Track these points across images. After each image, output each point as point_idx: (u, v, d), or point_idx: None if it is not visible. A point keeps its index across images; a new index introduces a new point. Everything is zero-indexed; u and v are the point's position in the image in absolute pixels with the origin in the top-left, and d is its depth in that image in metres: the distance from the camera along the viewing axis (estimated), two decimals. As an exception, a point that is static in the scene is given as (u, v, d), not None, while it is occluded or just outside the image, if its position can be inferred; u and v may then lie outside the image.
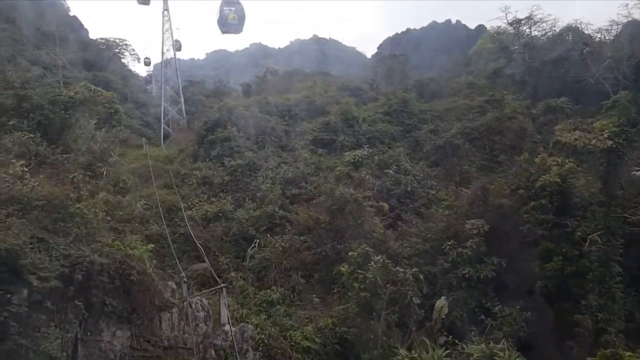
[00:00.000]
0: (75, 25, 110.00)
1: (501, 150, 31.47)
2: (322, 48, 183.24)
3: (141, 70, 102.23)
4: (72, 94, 27.52)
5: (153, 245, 17.86)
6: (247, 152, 31.75)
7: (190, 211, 26.43)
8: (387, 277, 14.89)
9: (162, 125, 60.87)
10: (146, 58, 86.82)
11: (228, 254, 23.46)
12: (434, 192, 27.33)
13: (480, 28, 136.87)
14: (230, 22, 41.28)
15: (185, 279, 16.46)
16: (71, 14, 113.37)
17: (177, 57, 64.92)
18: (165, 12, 61.74)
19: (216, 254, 23.01)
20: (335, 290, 19.12)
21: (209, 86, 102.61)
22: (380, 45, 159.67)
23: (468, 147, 32.64)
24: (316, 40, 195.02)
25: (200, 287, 18.91)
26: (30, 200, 13.71)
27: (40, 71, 60.05)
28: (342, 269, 16.92)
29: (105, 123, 50.52)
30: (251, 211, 25.88)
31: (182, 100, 62.79)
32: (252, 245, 22.50)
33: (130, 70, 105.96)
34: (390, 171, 29.01)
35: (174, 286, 16.15)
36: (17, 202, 13.36)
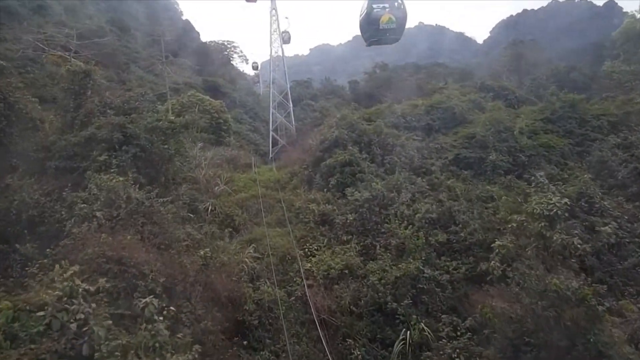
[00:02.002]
0: (188, 28, 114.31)
1: None
2: (429, 36, 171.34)
3: (249, 70, 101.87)
4: (173, 117, 23.21)
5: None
6: (374, 180, 25.19)
7: (309, 263, 20.72)
8: None
9: (271, 133, 57.26)
10: (254, 62, 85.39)
11: (360, 337, 17.23)
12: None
13: (611, 4, 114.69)
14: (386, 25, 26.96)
15: None
16: (184, 17, 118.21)
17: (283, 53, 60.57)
18: (273, 11, 57.78)
19: (345, 339, 16.93)
20: None
21: (316, 85, 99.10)
22: (493, 30, 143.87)
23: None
24: (421, 27, 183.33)
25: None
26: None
27: (152, 77, 60.25)
28: None
29: (212, 135, 48.67)
30: (386, 268, 19.35)
31: (291, 106, 58.48)
32: (400, 338, 15.89)
33: (239, 71, 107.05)
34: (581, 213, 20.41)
35: None
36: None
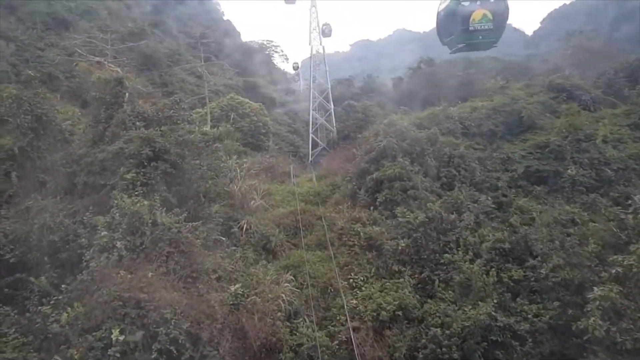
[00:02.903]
0: (229, 29, 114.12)
1: None
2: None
3: (289, 68, 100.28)
4: (207, 129, 21.01)
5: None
6: (429, 198, 22.12)
7: (354, 298, 17.98)
8: None
9: (310, 136, 54.81)
10: (294, 63, 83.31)
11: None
12: None
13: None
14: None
15: None
16: (225, 18, 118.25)
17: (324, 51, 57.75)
18: (313, 8, 55.19)
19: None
20: None
21: (357, 82, 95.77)
22: (544, 20, 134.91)
23: None
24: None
25: None
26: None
27: (194, 80, 59.10)
28: None
29: (250, 139, 46.74)
30: (449, 312, 16.29)
31: (332, 106, 55.70)
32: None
33: (280, 70, 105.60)
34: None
35: None
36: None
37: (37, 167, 19.96)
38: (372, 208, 23.06)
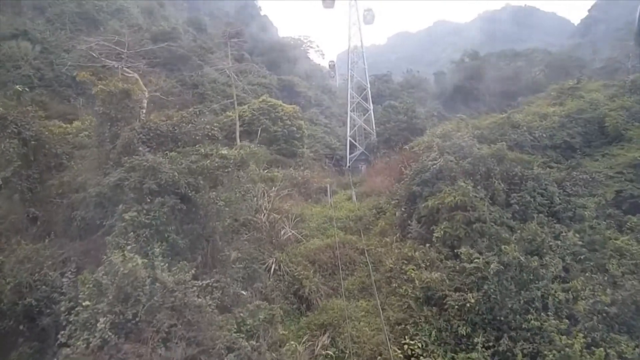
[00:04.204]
0: (266, 25, 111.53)
1: None
2: (517, 17, 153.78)
3: (325, 63, 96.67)
4: (226, 151, 17.35)
5: None
6: (501, 235, 17.64)
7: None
8: None
9: (348, 139, 50.62)
10: (330, 61, 79.47)
11: None
12: None
13: None
14: None
15: None
16: (262, 13, 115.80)
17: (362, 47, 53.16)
18: (353, 1, 50.72)
19: None
20: None
21: (395, 77, 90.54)
22: (592, 8, 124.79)
23: None
24: (509, 8, 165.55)
25: None
26: None
27: (226, 79, 55.87)
28: None
29: (284, 144, 43.13)
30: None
31: (371, 107, 51.25)
32: None
33: (315, 65, 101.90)
34: None
35: None
36: None
37: (27, 200, 16.95)
38: (428, 245, 18.76)
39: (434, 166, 20.55)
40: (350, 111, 52.87)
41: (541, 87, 53.69)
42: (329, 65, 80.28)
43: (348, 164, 50.36)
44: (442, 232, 18.60)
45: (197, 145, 18.58)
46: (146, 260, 12.71)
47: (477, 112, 67.29)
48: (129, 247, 13.02)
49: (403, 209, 21.65)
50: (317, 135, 58.58)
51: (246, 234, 19.19)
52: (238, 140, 35.06)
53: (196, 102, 46.39)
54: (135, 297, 12.02)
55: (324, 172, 38.99)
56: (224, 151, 17.79)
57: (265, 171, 25.86)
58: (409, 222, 20.60)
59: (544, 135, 24.20)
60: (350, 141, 51.45)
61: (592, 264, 16.64)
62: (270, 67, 77.70)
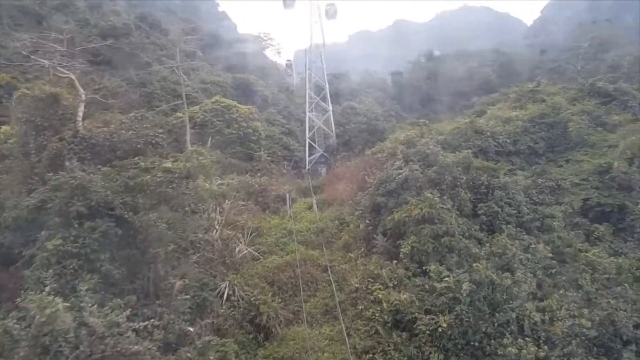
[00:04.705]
0: (223, 20, 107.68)
1: None
2: (472, 18, 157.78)
3: (283, 61, 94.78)
4: (170, 164, 15.37)
5: None
6: (471, 250, 16.70)
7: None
8: None
9: (307, 141, 49.10)
10: (287, 60, 77.31)
11: None
12: None
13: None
14: None
15: None
16: (220, 9, 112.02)
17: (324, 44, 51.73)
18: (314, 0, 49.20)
19: None
20: None
21: (354, 78, 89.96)
22: (545, 9, 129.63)
23: None
24: (465, 9, 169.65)
25: None
26: None
27: (178, 77, 52.90)
28: None
29: (239, 147, 40.94)
30: None
31: (331, 109, 49.95)
32: None
33: (273, 63, 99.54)
34: None
35: None
36: None
37: None
38: (394, 261, 17.52)
39: (399, 176, 19.39)
40: (309, 111, 51.44)
41: (494, 87, 54.44)
42: (286, 64, 78.38)
43: (307, 167, 48.89)
44: (409, 247, 17.41)
45: (137, 158, 16.42)
46: (72, 300, 10.67)
47: (434, 112, 67.86)
48: (49, 287, 10.89)
49: (367, 221, 20.37)
50: (275, 137, 56.49)
51: (196, 255, 17.20)
52: (188, 144, 32.64)
53: (143, 102, 43.36)
54: (56, 350, 9.98)
55: (283, 176, 37.19)
56: (168, 164, 15.72)
57: (218, 182, 23.77)
58: (374, 235, 19.33)
59: (508, 140, 23.69)
60: (309, 143, 50.01)
61: (564, 278, 16.00)
62: (226, 65, 74.87)
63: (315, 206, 26.13)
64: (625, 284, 14.76)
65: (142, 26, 68.07)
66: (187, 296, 14.50)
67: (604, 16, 79.07)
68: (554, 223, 18.43)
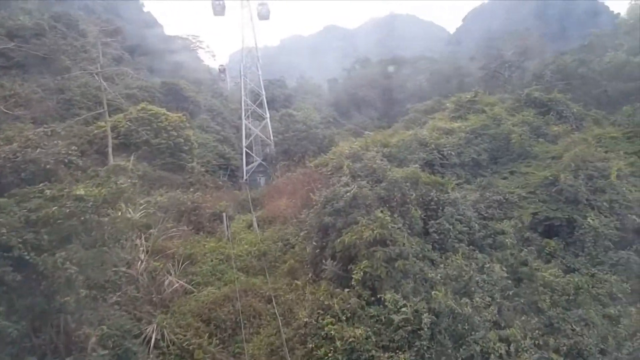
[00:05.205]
0: (149, 22, 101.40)
1: None
2: (400, 25, 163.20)
3: (216, 65, 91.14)
4: (83, 190, 12.77)
5: None
6: (426, 274, 15.65)
7: None
8: None
9: (244, 150, 46.78)
10: (220, 65, 74.34)
11: None
12: None
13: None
14: None
15: None
16: (145, 9, 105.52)
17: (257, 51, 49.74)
18: (245, 1, 47.11)
19: None
20: None
21: (290, 83, 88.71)
22: (466, 17, 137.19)
23: None
24: (392, 17, 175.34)
25: None
26: None
27: (97, 83, 48.32)
28: None
29: (169, 158, 37.80)
30: None
31: (268, 116, 48.03)
32: None
33: (205, 67, 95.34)
34: None
35: None
36: None
37: None
38: (345, 289, 16.02)
39: (347, 194, 17.95)
40: (245, 118, 49.16)
41: (426, 95, 55.32)
42: (219, 69, 75.29)
43: (245, 177, 46.59)
44: (361, 273, 16.00)
45: (42, 184, 13.58)
46: None
47: (370, 119, 68.28)
48: None
49: (314, 243, 18.72)
50: (209, 144, 53.41)
51: (116, 295, 14.59)
52: (111, 157, 29.28)
53: (62, 110, 38.88)
54: None
55: (219, 190, 34.63)
56: (81, 190, 13.05)
57: (145, 200, 21.02)
58: (323, 259, 17.72)
59: (452, 153, 23.23)
60: (246, 151, 47.74)
61: (522, 301, 15.38)
62: (154, 69, 70.28)
63: (255, 224, 24.07)
64: (586, 307, 14.40)
65: (57, 27, 61.82)
66: (106, 351, 12.02)
67: (521, 25, 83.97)
68: (507, 240, 17.97)
